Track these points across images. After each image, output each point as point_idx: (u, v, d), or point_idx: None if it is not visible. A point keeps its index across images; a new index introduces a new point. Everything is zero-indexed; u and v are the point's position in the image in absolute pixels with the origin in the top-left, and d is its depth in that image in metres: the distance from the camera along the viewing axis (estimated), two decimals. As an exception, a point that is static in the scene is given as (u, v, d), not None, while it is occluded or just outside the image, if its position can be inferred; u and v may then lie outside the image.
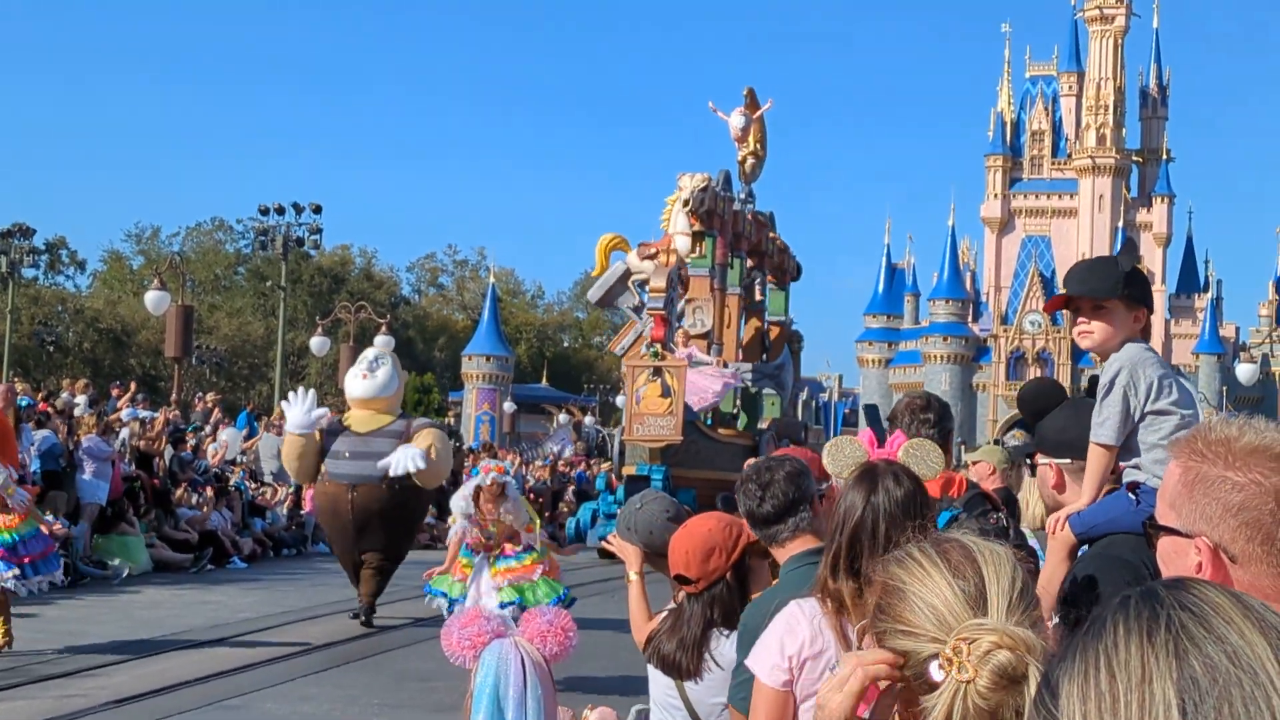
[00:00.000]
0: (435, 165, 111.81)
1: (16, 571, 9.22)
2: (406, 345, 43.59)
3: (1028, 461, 5.27)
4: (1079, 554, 3.28)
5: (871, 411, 27.79)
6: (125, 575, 15.04)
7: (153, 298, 25.77)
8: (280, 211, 30.76)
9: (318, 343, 32.73)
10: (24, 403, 15.06)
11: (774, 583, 3.77)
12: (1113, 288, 3.61)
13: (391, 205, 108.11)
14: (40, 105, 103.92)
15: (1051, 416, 4.07)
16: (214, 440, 20.45)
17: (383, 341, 11.52)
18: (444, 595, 9.20)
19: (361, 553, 11.41)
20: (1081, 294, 3.69)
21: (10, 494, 9.42)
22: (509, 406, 38.33)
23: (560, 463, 27.41)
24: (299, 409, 11.29)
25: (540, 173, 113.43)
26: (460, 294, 60.81)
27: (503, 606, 8.51)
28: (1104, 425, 3.53)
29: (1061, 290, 3.98)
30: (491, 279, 48.32)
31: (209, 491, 17.64)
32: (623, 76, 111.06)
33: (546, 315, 57.64)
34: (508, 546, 9.07)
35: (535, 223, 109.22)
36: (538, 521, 9.83)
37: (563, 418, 31.73)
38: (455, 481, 12.36)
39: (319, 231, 31.79)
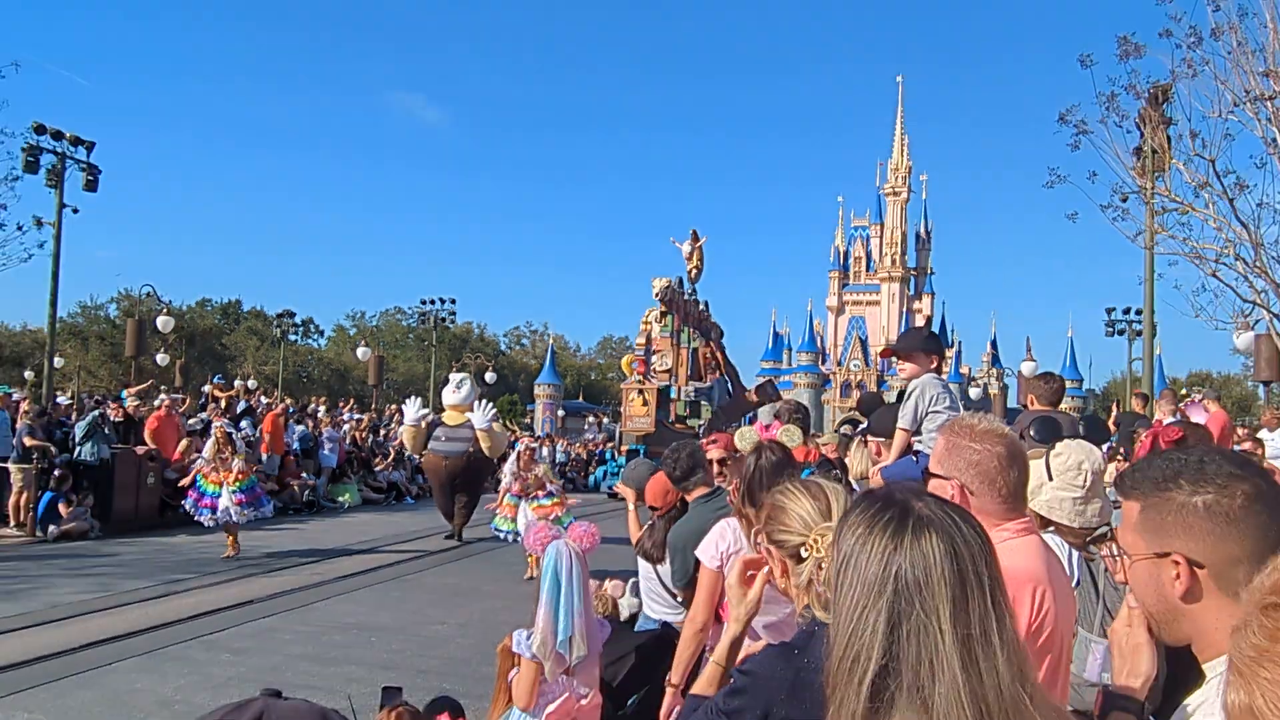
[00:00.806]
0: (517, 268, 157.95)
1: (242, 512, 13.45)
2: (504, 380, 64.50)
3: (862, 439, 7.80)
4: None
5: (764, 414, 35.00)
6: (347, 507, 22.02)
7: (362, 351, 43.56)
8: (432, 302, 48.43)
9: (455, 378, 45.34)
10: (290, 411, 23.93)
11: (686, 514, 5.08)
12: (917, 345, 5.48)
13: (495, 296, 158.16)
14: (302, 218, 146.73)
15: (877, 414, 6.02)
16: (395, 431, 26.15)
17: (462, 375, 17.84)
18: (502, 530, 13.24)
19: (452, 499, 15.91)
20: (900, 349, 5.55)
21: (240, 459, 13.63)
22: (561, 413, 57.03)
23: (591, 444, 38.13)
24: (411, 411, 15.97)
25: (572, 277, 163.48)
26: (533, 349, 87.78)
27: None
28: (904, 419, 5.08)
29: (887, 347, 6.44)
30: (550, 340, 73.63)
31: (391, 458, 25.38)
32: (615, 209, 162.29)
33: (581, 361, 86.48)
34: (539, 492, 12.98)
35: (575, 305, 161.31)
36: (556, 479, 14.02)
37: (590, 419, 47.65)
38: (504, 458, 16.75)
39: (454, 313, 49.76)
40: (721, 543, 3.88)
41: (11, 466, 15.48)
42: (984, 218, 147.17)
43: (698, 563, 4.05)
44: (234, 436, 13.92)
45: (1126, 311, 37.83)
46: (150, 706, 6.83)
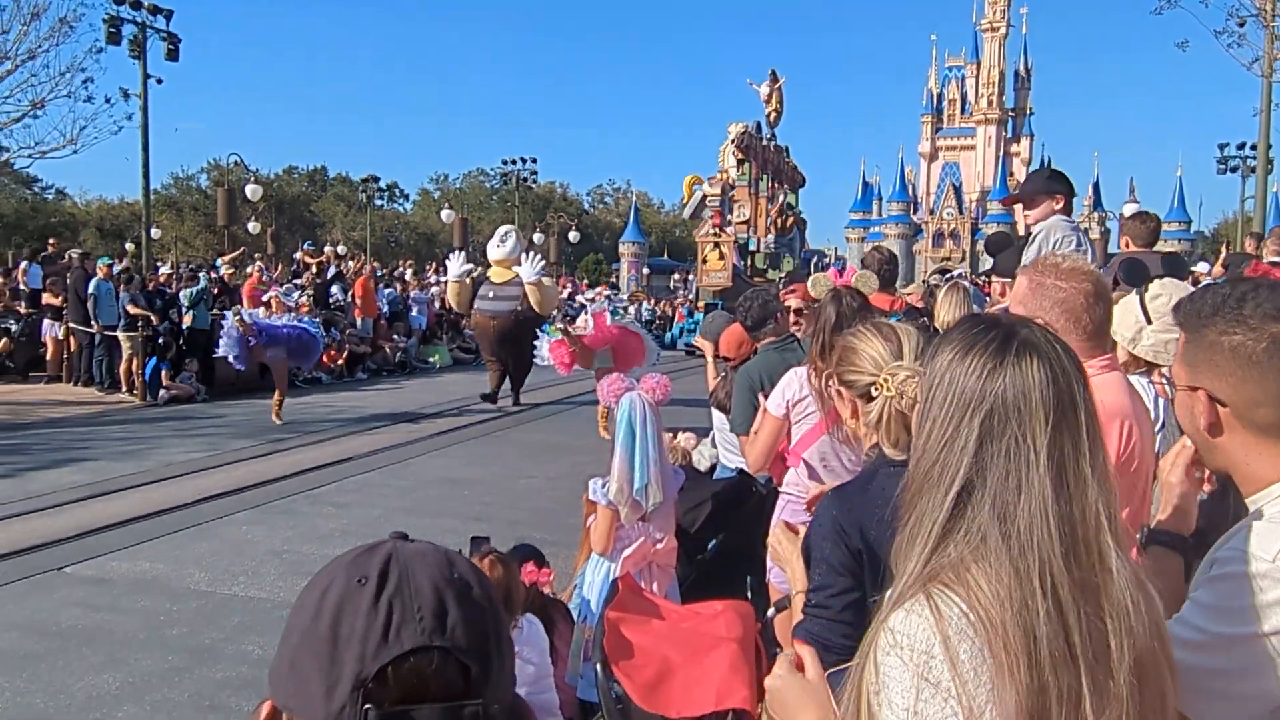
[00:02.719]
0: (599, 126, 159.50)
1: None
2: (588, 239, 64.30)
3: (952, 286, 7.65)
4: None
5: (841, 262, 34.44)
6: (438, 367, 22.59)
7: (446, 214, 42.50)
8: (513, 162, 48.38)
9: (538, 238, 48.15)
10: (378, 274, 24.53)
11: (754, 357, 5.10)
12: (1040, 188, 5.12)
13: (576, 155, 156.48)
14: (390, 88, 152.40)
15: (1004, 254, 5.79)
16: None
17: (508, 227, 16.12)
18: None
19: (501, 360, 15.10)
20: (1023, 194, 5.22)
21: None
22: (646, 270, 56.25)
23: (676, 301, 36.95)
24: (454, 266, 15.35)
25: (655, 133, 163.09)
26: (617, 206, 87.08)
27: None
28: (1027, 262, 5.48)
29: (1009, 195, 6.08)
30: (634, 198, 74.70)
31: None
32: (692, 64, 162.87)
33: (665, 218, 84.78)
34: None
35: (654, 160, 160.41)
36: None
37: (676, 276, 49.19)
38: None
39: (535, 173, 49.66)
40: (788, 391, 3.90)
41: (120, 335, 16.19)
42: (1088, 52, 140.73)
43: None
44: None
45: (1240, 147, 35.80)
46: (262, 555, 7.25)
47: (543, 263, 15.05)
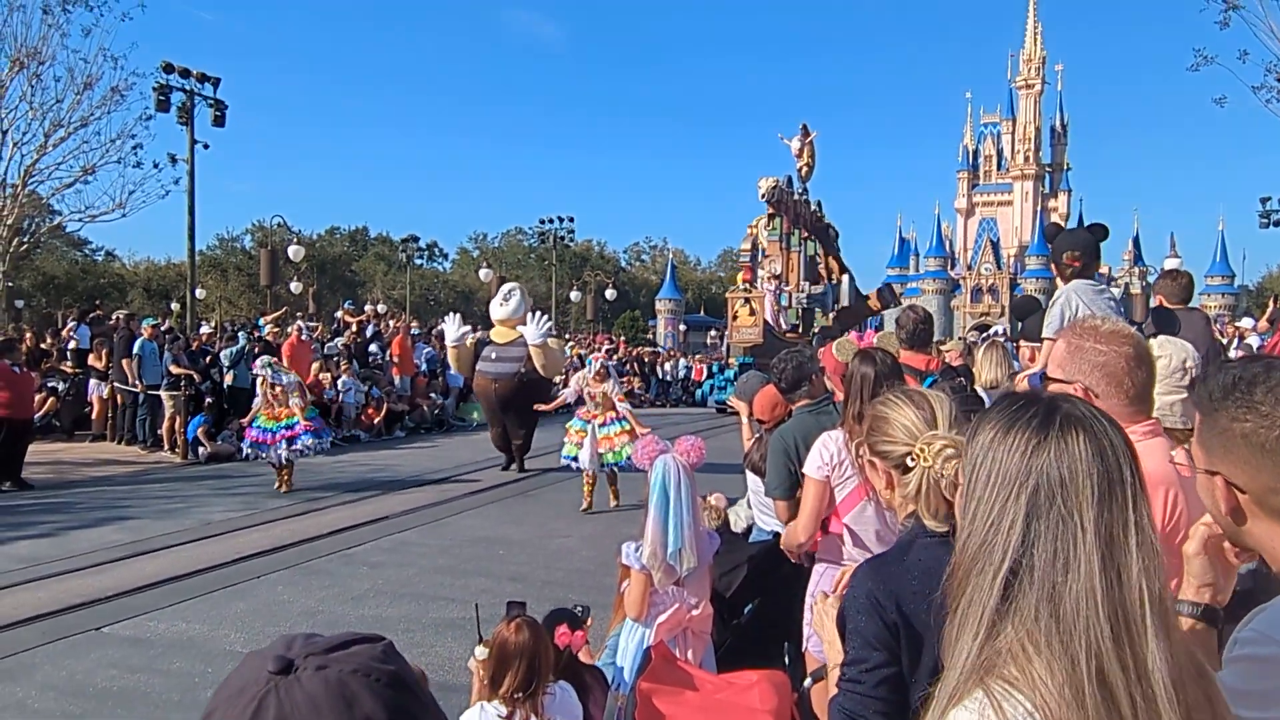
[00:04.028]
0: (636, 185, 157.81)
1: (307, 441, 12.52)
2: (624, 296, 64.34)
3: (990, 345, 7.57)
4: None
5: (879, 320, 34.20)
6: (474, 425, 21.56)
7: (484, 273, 43.97)
8: (551, 221, 48.01)
9: (575, 295, 51.33)
10: (415, 332, 24.69)
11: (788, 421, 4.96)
12: (1064, 247, 5.07)
13: (613, 213, 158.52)
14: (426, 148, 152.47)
15: (1029, 319, 5.64)
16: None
17: (512, 285, 15.26)
18: (570, 457, 11.70)
19: (504, 424, 14.39)
20: (1051, 255, 5.27)
21: (298, 397, 12.67)
22: (683, 327, 58.03)
23: (709, 358, 37.39)
24: (450, 330, 14.62)
25: (691, 191, 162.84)
26: (653, 264, 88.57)
27: (604, 466, 11.36)
28: (1049, 327, 4.77)
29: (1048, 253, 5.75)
30: (671, 255, 76.16)
31: None
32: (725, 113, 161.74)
33: (701, 275, 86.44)
34: (609, 414, 11.47)
35: (691, 218, 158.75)
36: (623, 397, 11.99)
37: (713, 333, 47.82)
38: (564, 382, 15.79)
39: (572, 232, 49.55)
40: (825, 453, 3.85)
41: (163, 394, 16.43)
42: (1125, 108, 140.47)
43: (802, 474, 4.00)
44: (281, 377, 12.75)
45: (1284, 201, 35.49)
46: (296, 616, 7.25)
47: (549, 323, 14.39)
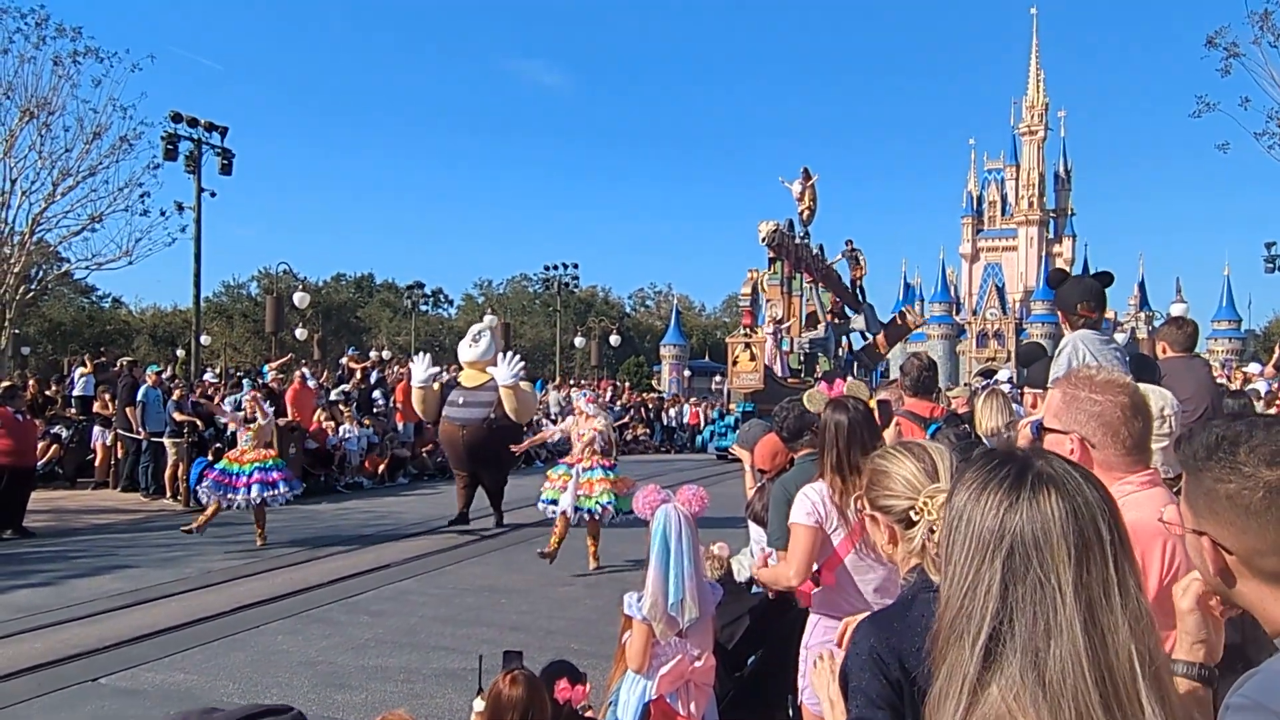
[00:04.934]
0: (640, 231, 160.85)
1: (275, 490, 11.77)
2: (629, 342, 65.22)
3: (992, 392, 7.52)
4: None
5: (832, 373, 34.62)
6: None
7: (489, 319, 41.80)
8: (555, 267, 47.97)
9: (580, 342, 50.76)
10: None
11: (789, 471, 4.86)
12: (1073, 298, 5.07)
13: (618, 259, 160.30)
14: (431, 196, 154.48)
15: (1034, 366, 5.78)
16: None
17: (487, 320, 14.28)
18: (549, 501, 10.76)
19: (473, 476, 13.35)
20: (1057, 305, 5.20)
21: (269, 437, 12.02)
22: (687, 373, 58.05)
23: (712, 404, 36.40)
24: (418, 371, 13.75)
25: (695, 237, 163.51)
26: (658, 309, 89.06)
27: (578, 509, 10.45)
28: (1055, 376, 4.59)
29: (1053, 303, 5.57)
30: (675, 301, 75.79)
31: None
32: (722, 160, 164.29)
33: (706, 320, 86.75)
34: (595, 460, 10.71)
35: (696, 263, 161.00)
36: (610, 447, 11.18)
37: (718, 379, 46.83)
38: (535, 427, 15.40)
39: (577, 278, 49.44)
40: (808, 502, 3.77)
41: (166, 441, 16.40)
42: (1128, 153, 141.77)
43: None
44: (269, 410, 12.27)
45: (1288, 245, 35.53)
46: (295, 667, 7.15)
47: (521, 365, 13.43)
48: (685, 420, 34.56)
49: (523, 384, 13.35)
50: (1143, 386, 3.30)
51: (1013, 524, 1.24)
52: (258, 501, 11.74)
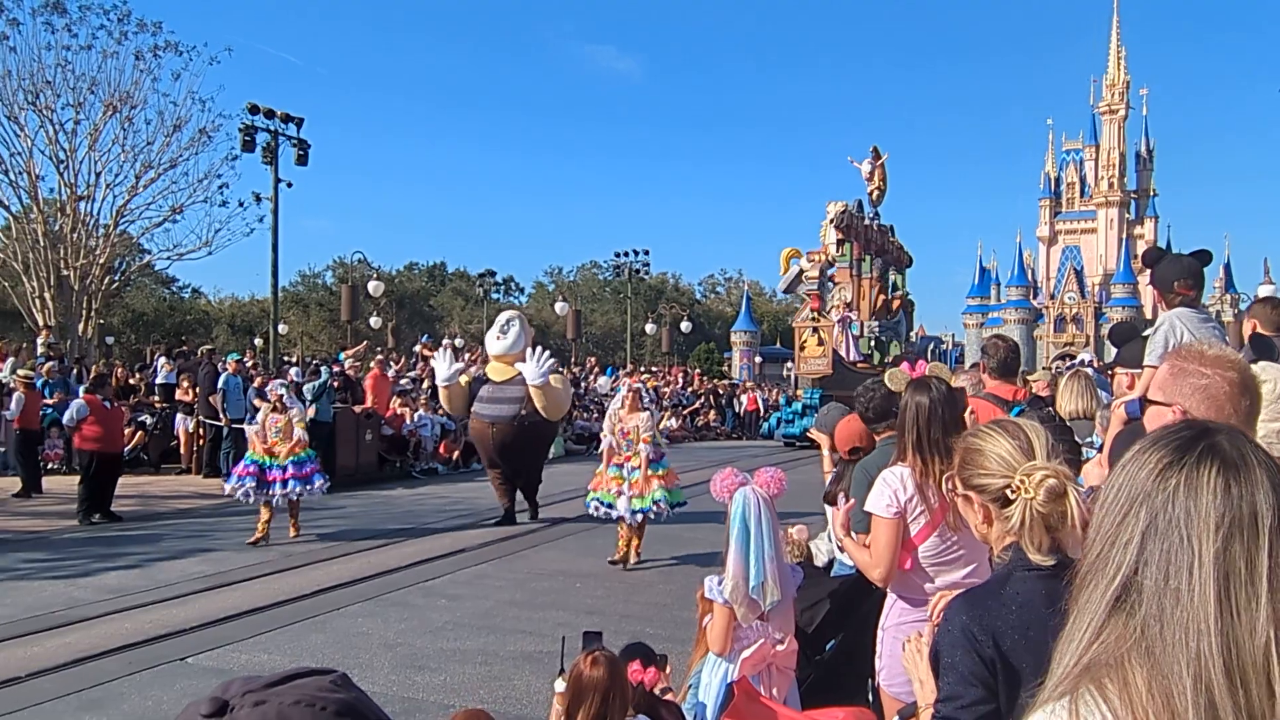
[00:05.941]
0: (710, 216, 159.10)
1: (299, 487, 11.53)
2: (700, 328, 65.72)
3: (1075, 374, 7.33)
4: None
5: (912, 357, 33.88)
6: (551, 457, 18.25)
7: (560, 306, 44.58)
8: (626, 254, 47.98)
9: (651, 329, 51.25)
10: None
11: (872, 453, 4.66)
12: (1170, 275, 4.94)
13: (689, 246, 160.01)
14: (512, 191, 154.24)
15: (1127, 346, 5.43)
16: (595, 383, 29.27)
17: (510, 314, 13.30)
18: (605, 504, 10.34)
19: (507, 476, 12.86)
20: (1153, 282, 5.10)
21: (301, 426, 11.91)
22: (758, 359, 58.09)
23: (783, 389, 37.46)
24: (441, 368, 13.11)
25: (765, 222, 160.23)
26: (729, 296, 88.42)
27: (634, 512, 10.20)
28: (1151, 354, 4.59)
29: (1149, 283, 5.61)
30: (746, 287, 75.32)
31: (594, 412, 25.75)
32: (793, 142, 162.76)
33: (777, 306, 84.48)
34: (639, 457, 10.27)
35: (766, 249, 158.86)
36: (661, 439, 10.92)
37: (789, 365, 45.58)
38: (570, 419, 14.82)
39: (648, 265, 49.55)
40: (887, 490, 3.61)
41: (247, 428, 16.73)
42: (1213, 131, 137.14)
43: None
44: (290, 401, 12.11)
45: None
46: (375, 648, 7.26)
47: (551, 360, 12.64)
48: (745, 407, 34.15)
49: (554, 380, 12.63)
50: (1266, 365, 3.16)
51: (1166, 485, 1.20)
52: (295, 497, 11.68)
